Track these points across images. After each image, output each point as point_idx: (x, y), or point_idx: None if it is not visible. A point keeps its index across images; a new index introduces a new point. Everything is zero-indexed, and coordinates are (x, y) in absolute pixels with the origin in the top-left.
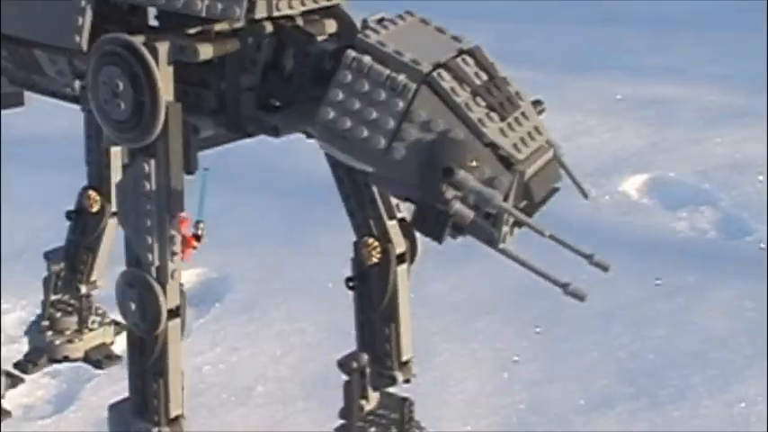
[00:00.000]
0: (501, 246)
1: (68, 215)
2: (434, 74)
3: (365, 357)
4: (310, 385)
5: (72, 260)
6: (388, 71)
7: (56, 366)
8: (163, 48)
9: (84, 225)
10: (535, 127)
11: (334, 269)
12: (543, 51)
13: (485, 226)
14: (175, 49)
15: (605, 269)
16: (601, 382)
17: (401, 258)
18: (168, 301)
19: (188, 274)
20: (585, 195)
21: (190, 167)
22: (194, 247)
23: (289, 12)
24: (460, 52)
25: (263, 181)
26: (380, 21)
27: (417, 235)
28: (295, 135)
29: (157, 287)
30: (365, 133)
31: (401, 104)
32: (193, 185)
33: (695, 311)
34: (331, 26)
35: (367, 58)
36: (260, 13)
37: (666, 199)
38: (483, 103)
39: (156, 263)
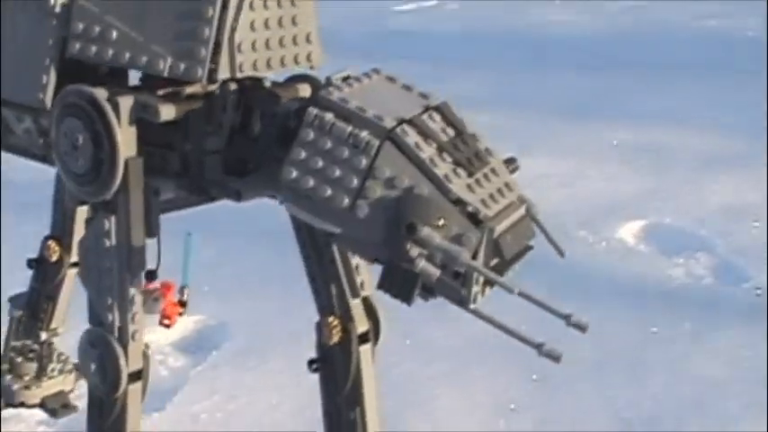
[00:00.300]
0: (472, 306)
1: (29, 263)
2: (398, 129)
3: None
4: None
5: (33, 307)
6: (350, 128)
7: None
8: (125, 103)
9: (44, 274)
10: (506, 183)
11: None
12: (539, 97)
13: (453, 285)
14: (138, 106)
15: (583, 330)
16: (598, 430)
17: (364, 338)
18: (130, 364)
19: (185, 321)
20: (561, 254)
21: (150, 230)
22: (180, 314)
23: (253, 73)
24: (426, 108)
25: (262, 228)
26: (345, 78)
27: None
28: None
29: (119, 349)
30: (328, 192)
31: (364, 161)
32: (178, 250)
33: (692, 359)
34: (305, 90)
35: (329, 115)
36: (223, 73)
37: (663, 245)
38: (449, 159)
39: (117, 323)
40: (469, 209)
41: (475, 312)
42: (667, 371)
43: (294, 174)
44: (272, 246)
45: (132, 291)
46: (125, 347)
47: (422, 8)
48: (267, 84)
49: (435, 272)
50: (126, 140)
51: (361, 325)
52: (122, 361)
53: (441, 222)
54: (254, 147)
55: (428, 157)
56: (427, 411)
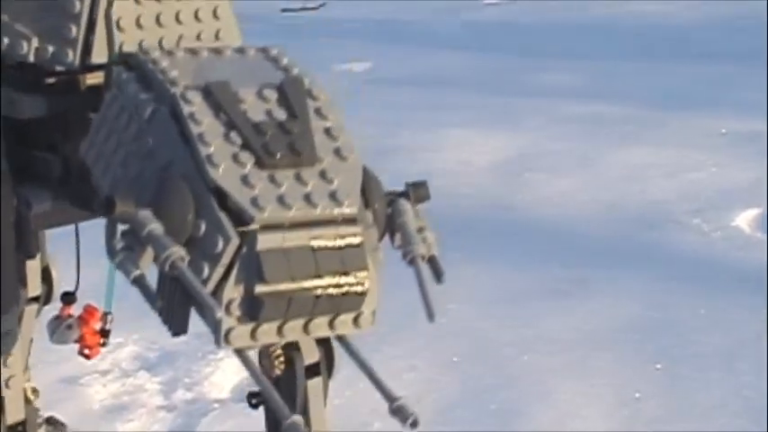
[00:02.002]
0: (222, 346)
1: None
2: (178, 94)
3: None
4: (428, 419)
5: None
6: (138, 90)
7: (172, 400)
8: None
9: None
10: (331, 192)
11: (442, 305)
12: (641, 87)
13: (179, 310)
14: (6, 102)
15: (412, 425)
16: (728, 421)
17: (314, 370)
18: (7, 417)
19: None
20: (431, 317)
21: (25, 248)
22: (102, 344)
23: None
24: (265, 86)
25: None
26: (200, 48)
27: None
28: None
29: None
30: (101, 167)
31: (135, 128)
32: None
33: None
34: None
35: (127, 74)
36: (99, 56)
37: None
38: (238, 141)
39: None
40: (231, 205)
41: (239, 356)
42: None
43: (86, 146)
44: None
45: (7, 326)
46: None
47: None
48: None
49: (133, 270)
50: None
51: (310, 356)
52: None
53: (183, 213)
54: None
55: (199, 132)
56: (549, 404)
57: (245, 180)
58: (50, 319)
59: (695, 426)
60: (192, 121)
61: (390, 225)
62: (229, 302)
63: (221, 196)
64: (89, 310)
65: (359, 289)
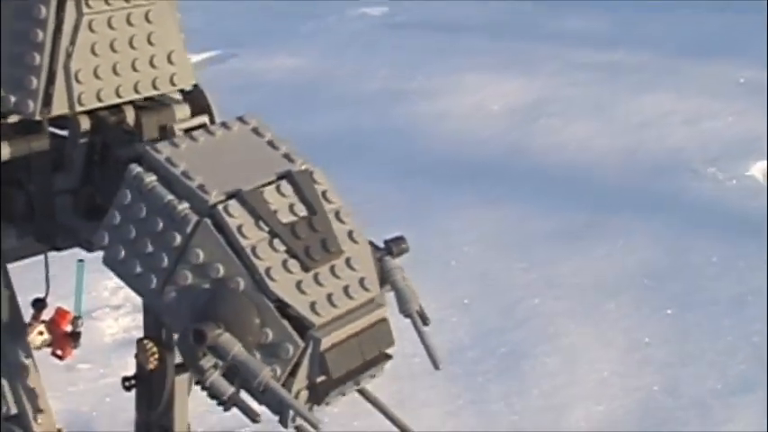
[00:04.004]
0: (291, 426)
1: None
2: (221, 206)
3: None
4: None
5: None
6: (170, 196)
7: None
8: None
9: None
10: (360, 279)
11: (454, 247)
12: (661, 36)
13: (251, 412)
14: None
15: None
16: (737, 367)
17: (182, 367)
18: None
19: None
20: (436, 366)
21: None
22: (74, 347)
23: (97, 105)
24: (279, 177)
25: (384, 163)
26: (192, 129)
27: None
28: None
29: None
30: (138, 269)
31: (178, 239)
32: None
33: None
34: (183, 111)
35: (151, 178)
36: (59, 108)
37: None
38: (282, 248)
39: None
40: (293, 313)
41: None
42: None
43: (106, 239)
44: (396, 179)
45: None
46: None
47: None
48: (129, 113)
49: (227, 389)
50: None
51: (180, 355)
52: None
53: (253, 329)
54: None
55: (251, 245)
56: (559, 346)
57: (299, 287)
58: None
59: (705, 371)
60: (241, 236)
61: (381, 279)
62: (296, 394)
63: (281, 305)
64: (60, 313)
65: (388, 354)
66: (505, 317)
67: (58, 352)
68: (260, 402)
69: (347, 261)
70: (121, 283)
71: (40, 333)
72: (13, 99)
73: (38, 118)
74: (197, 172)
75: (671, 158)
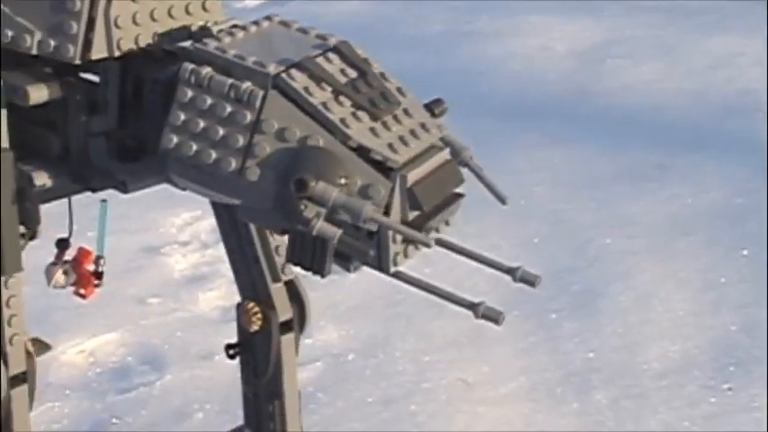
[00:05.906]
0: (392, 270)
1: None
2: (283, 75)
3: None
4: (508, 300)
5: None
6: (230, 80)
7: None
8: None
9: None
10: (421, 124)
11: (523, 186)
12: None
13: (361, 247)
14: (8, 88)
15: (533, 284)
16: None
17: (287, 326)
18: (10, 368)
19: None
20: (503, 201)
21: (27, 221)
22: (96, 286)
23: (134, 47)
24: (324, 51)
25: (449, 103)
26: (228, 28)
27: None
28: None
29: None
30: (213, 156)
31: (249, 116)
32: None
33: None
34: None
35: (206, 69)
36: (98, 52)
37: None
38: (348, 103)
39: None
40: (375, 156)
41: (398, 276)
42: None
43: (174, 140)
44: (461, 119)
45: (8, 292)
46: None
47: None
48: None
49: (335, 231)
50: None
51: (284, 312)
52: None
53: (342, 175)
54: (145, 123)
55: (321, 102)
56: (632, 285)
57: (374, 133)
58: (47, 265)
59: None
60: (309, 95)
61: None
62: (393, 237)
63: (361, 151)
64: (83, 253)
65: (460, 193)
66: (577, 256)
67: (81, 291)
68: (354, 262)
69: (405, 111)
70: (189, 220)
71: (65, 273)
72: (53, 43)
73: (77, 62)
74: (249, 54)
75: (740, 100)
